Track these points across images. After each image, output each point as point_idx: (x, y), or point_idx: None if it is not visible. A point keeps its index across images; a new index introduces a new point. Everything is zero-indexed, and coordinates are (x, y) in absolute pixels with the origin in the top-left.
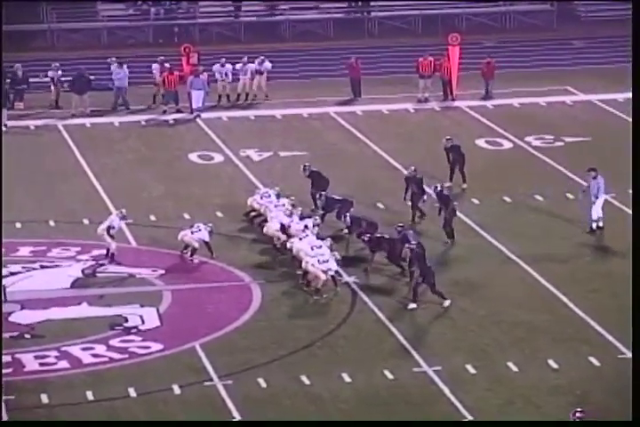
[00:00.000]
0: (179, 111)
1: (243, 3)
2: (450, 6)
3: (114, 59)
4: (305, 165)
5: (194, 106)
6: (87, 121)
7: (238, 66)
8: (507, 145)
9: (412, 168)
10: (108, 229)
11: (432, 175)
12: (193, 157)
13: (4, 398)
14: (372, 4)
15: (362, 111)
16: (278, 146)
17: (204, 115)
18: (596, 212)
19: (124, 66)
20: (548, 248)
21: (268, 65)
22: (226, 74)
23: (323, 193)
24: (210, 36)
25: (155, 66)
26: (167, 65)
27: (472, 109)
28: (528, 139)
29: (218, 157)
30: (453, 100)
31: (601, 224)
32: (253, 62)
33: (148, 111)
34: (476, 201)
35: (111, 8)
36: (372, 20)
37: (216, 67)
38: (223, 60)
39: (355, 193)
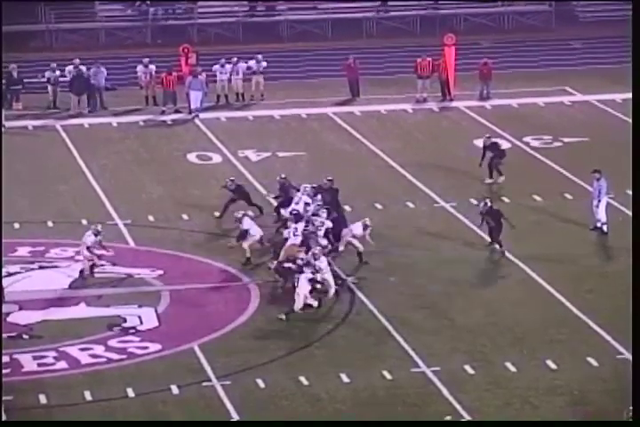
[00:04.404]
0: (177, 112)
1: (241, 3)
2: (448, 7)
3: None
4: (230, 179)
5: (192, 106)
6: (85, 121)
7: (229, 66)
8: (505, 145)
9: (329, 178)
10: (88, 248)
11: (431, 175)
12: (191, 157)
13: (2, 398)
14: (370, 4)
15: (360, 112)
16: (276, 146)
17: (202, 115)
18: (602, 215)
19: (101, 67)
20: (546, 248)
21: (263, 64)
22: (233, 73)
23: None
24: (208, 36)
25: (139, 67)
26: (152, 67)
27: (470, 110)
28: (526, 139)
29: (216, 158)
30: (451, 100)
31: (605, 229)
32: (246, 62)
33: (146, 112)
34: (474, 201)
35: (109, 8)
36: (369, 20)
37: (216, 67)
38: (223, 60)
39: (353, 193)
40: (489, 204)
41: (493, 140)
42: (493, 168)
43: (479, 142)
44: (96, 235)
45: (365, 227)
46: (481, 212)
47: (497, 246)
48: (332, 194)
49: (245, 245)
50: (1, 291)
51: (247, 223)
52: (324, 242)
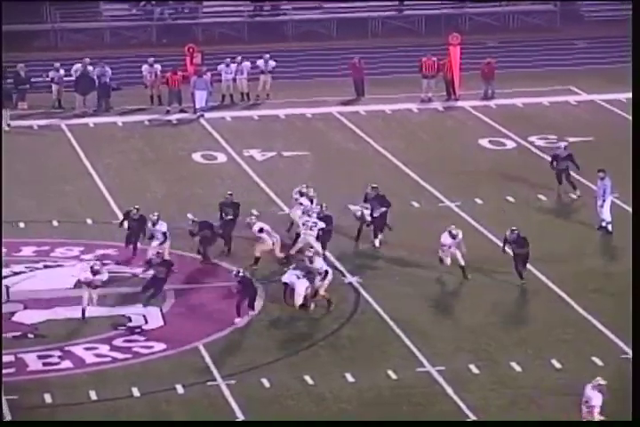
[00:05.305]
0: (182, 111)
1: (246, 2)
2: (453, 6)
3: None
4: (136, 207)
5: (197, 106)
6: (90, 121)
7: (234, 66)
8: (510, 145)
9: (229, 193)
10: (90, 283)
11: (436, 174)
12: (196, 156)
13: (6, 397)
14: (376, 3)
15: (365, 111)
16: (281, 146)
17: (207, 115)
18: (606, 215)
19: (106, 66)
20: (551, 248)
21: (272, 63)
22: (238, 72)
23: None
24: (213, 35)
25: (145, 67)
26: (157, 66)
27: (475, 109)
28: (531, 139)
29: (221, 157)
30: (456, 99)
31: (610, 228)
32: (253, 62)
33: (151, 111)
34: (479, 201)
35: (114, 8)
36: (374, 19)
37: (221, 67)
38: (228, 59)
39: (357, 193)
40: (516, 232)
41: (569, 151)
42: (564, 179)
43: (484, 142)
44: (95, 273)
45: (453, 236)
46: (507, 240)
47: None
48: (380, 201)
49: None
50: (6, 290)
51: (163, 225)
52: (316, 244)
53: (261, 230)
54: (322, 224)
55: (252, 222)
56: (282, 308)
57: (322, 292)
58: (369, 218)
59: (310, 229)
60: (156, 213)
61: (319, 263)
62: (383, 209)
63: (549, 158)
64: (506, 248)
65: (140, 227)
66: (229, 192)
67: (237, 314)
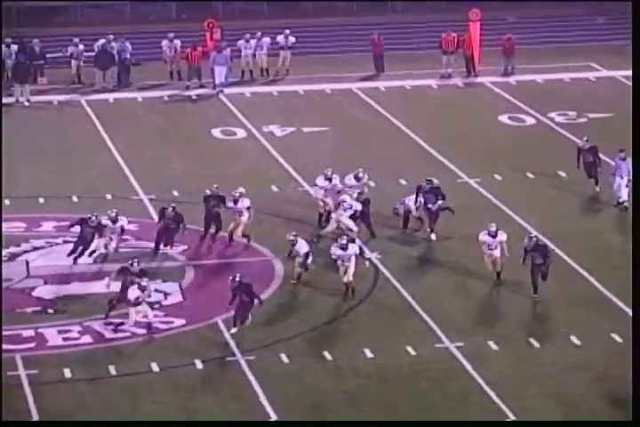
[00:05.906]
0: (202, 87)
1: None
2: None
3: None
4: (94, 215)
5: (217, 81)
6: (110, 96)
7: (253, 41)
8: (530, 121)
9: (215, 186)
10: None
11: (455, 150)
12: (216, 132)
13: (26, 372)
14: None
15: (385, 87)
16: (301, 121)
17: (226, 90)
18: (623, 193)
19: (126, 42)
20: (570, 224)
21: (291, 39)
22: (258, 48)
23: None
24: (233, 11)
25: (164, 42)
26: (177, 42)
27: (495, 85)
28: (551, 115)
29: (240, 133)
30: (476, 76)
31: (626, 204)
32: (273, 37)
33: (170, 87)
34: (498, 177)
35: None
36: None
37: (241, 42)
38: (247, 35)
39: (377, 168)
40: (535, 240)
41: (591, 143)
42: (593, 174)
43: (504, 118)
44: (143, 290)
45: (493, 235)
46: (526, 248)
47: (532, 292)
48: (435, 193)
49: None
50: (26, 266)
51: (124, 220)
52: (351, 224)
53: (249, 207)
54: (358, 206)
55: (239, 198)
56: (300, 283)
57: (350, 277)
58: (414, 210)
59: (344, 210)
60: (114, 210)
61: (351, 249)
62: (440, 202)
63: (569, 134)
64: (525, 260)
65: (95, 231)
66: (215, 185)
67: (233, 324)
